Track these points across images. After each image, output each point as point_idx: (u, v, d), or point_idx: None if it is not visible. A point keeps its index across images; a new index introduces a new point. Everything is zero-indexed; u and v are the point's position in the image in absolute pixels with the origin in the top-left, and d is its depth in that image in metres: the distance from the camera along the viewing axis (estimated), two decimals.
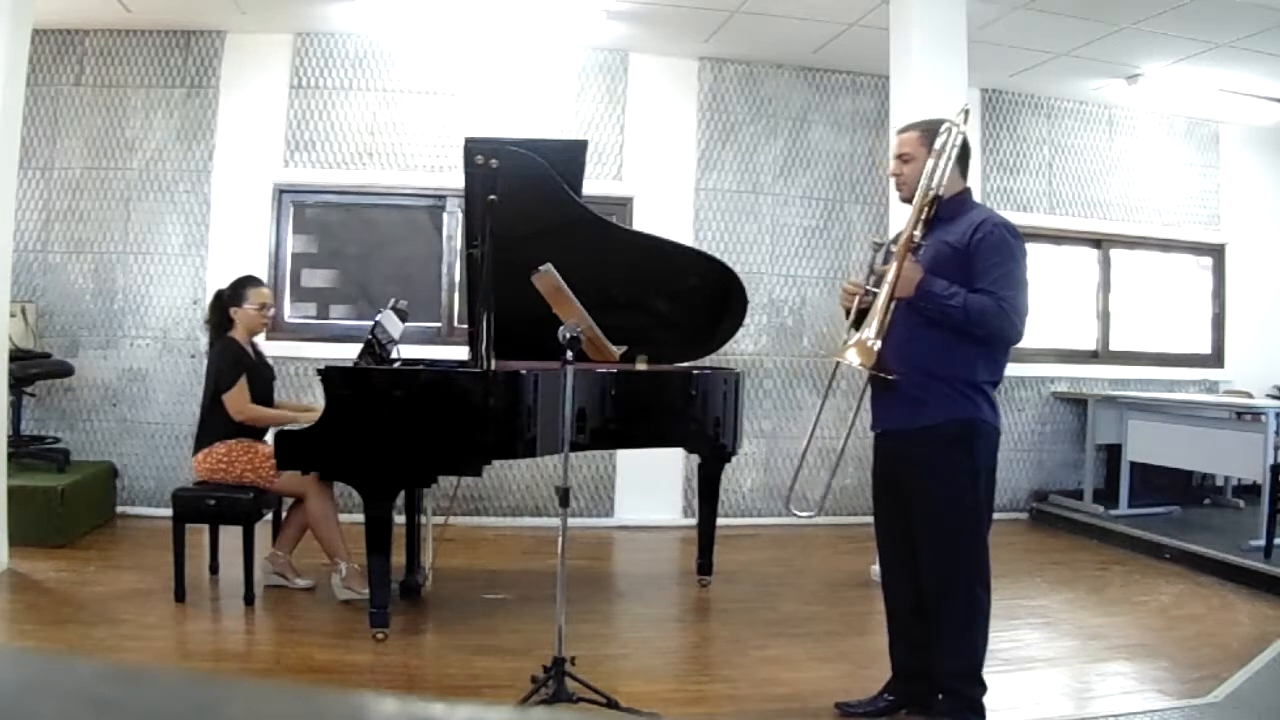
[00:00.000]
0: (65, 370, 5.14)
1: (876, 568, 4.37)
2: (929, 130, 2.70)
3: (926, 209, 2.62)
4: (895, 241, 2.69)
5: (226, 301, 3.92)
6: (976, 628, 2.63)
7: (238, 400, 3.77)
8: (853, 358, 2.51)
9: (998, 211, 2.72)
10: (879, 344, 2.51)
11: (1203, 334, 6.87)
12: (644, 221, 5.53)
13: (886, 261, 2.67)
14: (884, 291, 2.54)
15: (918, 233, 2.60)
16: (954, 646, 2.63)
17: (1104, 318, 6.62)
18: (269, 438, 3.80)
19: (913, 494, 2.68)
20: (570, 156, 3.87)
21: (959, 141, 2.64)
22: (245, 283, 3.98)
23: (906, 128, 2.79)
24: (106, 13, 5.11)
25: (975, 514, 2.63)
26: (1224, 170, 6.75)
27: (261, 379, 3.93)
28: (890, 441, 2.78)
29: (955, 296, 2.51)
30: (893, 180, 2.81)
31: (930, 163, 2.62)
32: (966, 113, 2.70)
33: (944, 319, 2.54)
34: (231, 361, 3.80)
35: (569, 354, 2.78)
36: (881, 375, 2.56)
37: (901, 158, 2.73)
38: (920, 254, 2.60)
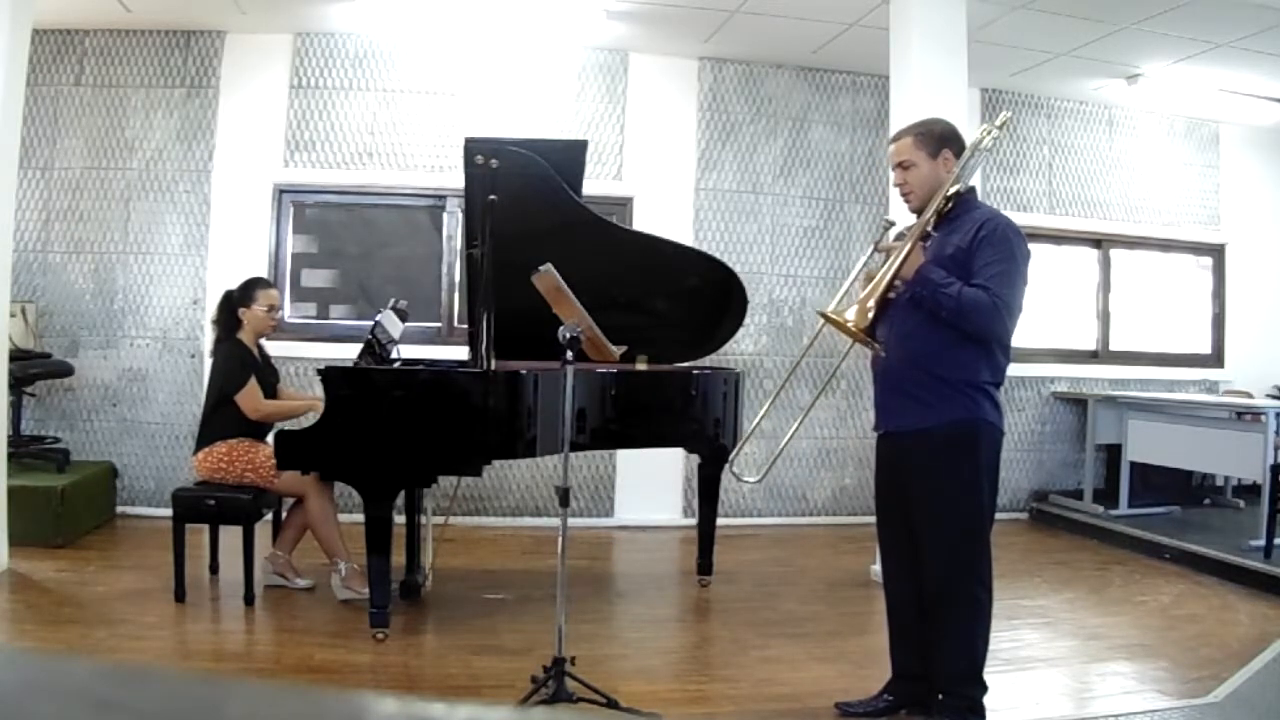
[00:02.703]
0: (65, 370, 5.14)
1: (876, 568, 4.37)
2: (921, 134, 2.69)
3: (948, 203, 2.62)
4: (910, 226, 2.69)
5: (236, 302, 3.92)
6: (977, 629, 2.63)
7: (251, 399, 3.77)
8: (850, 314, 2.53)
9: (998, 212, 2.72)
10: (874, 312, 2.54)
11: (1203, 334, 6.87)
12: (644, 221, 5.53)
13: (897, 240, 2.69)
14: (890, 266, 2.56)
15: (931, 223, 2.61)
16: (955, 647, 2.63)
17: (1104, 318, 6.62)
18: (269, 438, 3.80)
19: (916, 495, 2.68)
20: (570, 156, 3.87)
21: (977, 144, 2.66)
22: (255, 284, 3.99)
23: (898, 135, 2.77)
24: (106, 13, 5.11)
25: (978, 515, 2.63)
26: (1224, 170, 6.75)
27: (265, 380, 3.93)
28: (893, 443, 2.77)
29: (951, 286, 2.52)
30: (897, 190, 2.78)
31: (966, 156, 2.64)
32: (1005, 123, 2.66)
33: (937, 307, 2.53)
34: (239, 364, 3.81)
35: (569, 354, 2.78)
36: (868, 342, 2.56)
37: (902, 165, 2.70)
38: (926, 245, 2.61)
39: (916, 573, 2.70)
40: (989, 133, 2.64)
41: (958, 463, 2.59)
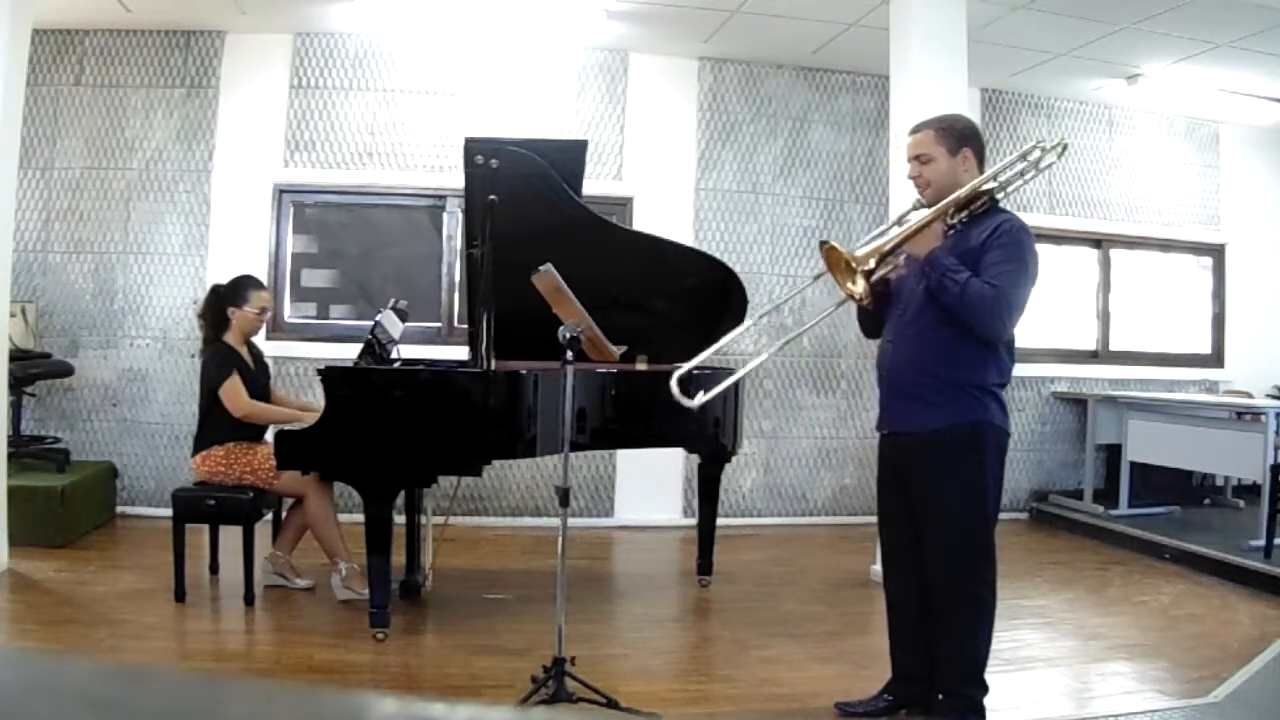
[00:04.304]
0: (65, 370, 5.14)
1: (876, 567, 4.37)
2: (942, 129, 2.67)
3: (981, 203, 2.61)
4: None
5: (224, 300, 3.90)
6: (980, 629, 2.63)
7: (233, 396, 3.74)
8: (859, 250, 2.54)
9: (1014, 215, 2.71)
10: (880, 271, 2.57)
11: (1203, 334, 6.87)
12: (644, 221, 5.53)
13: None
14: (905, 228, 2.56)
15: (954, 219, 2.60)
16: (958, 648, 2.62)
17: (1104, 318, 6.62)
18: (268, 437, 3.80)
19: (920, 497, 2.66)
20: (570, 156, 3.87)
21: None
22: (246, 283, 3.95)
23: (919, 127, 2.73)
24: (106, 13, 5.11)
25: (984, 517, 2.62)
26: (1224, 170, 6.76)
27: (255, 381, 3.91)
28: (897, 444, 2.75)
29: (960, 274, 2.49)
30: (913, 183, 2.74)
31: (1009, 161, 2.64)
32: (1064, 147, 2.66)
33: (940, 292, 2.51)
34: (221, 362, 3.78)
35: (569, 354, 2.78)
36: (854, 282, 2.53)
37: (919, 159, 2.67)
38: (948, 234, 2.61)
39: (919, 573, 2.69)
40: (1047, 152, 2.63)
41: (963, 465, 2.57)
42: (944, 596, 2.63)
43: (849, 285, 2.56)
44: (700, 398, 2.81)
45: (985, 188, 2.61)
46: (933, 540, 2.64)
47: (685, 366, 2.81)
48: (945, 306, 2.53)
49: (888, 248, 2.56)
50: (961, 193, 2.59)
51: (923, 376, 2.61)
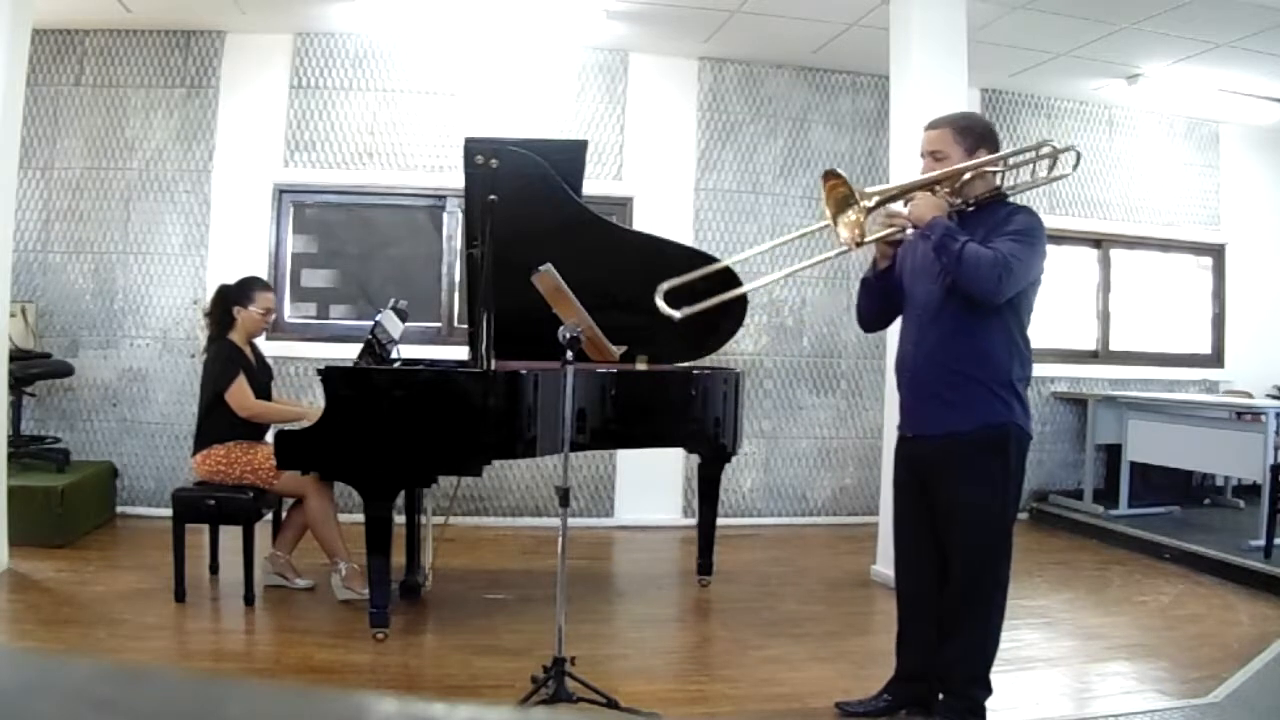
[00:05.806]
0: (65, 370, 5.14)
1: (877, 567, 4.38)
2: (961, 127, 2.64)
3: (988, 195, 2.61)
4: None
5: (231, 299, 3.91)
6: (992, 631, 2.62)
7: (240, 396, 3.75)
8: (866, 187, 2.56)
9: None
10: (877, 200, 2.59)
11: (1203, 334, 6.87)
12: (644, 221, 5.53)
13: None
14: (915, 180, 2.60)
15: (959, 200, 2.60)
16: (969, 647, 2.62)
17: (1104, 318, 6.62)
18: (269, 437, 3.80)
19: (941, 499, 2.64)
20: (570, 156, 3.87)
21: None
22: (253, 284, 3.96)
23: (937, 123, 2.69)
24: (106, 13, 5.12)
25: (1003, 519, 2.61)
26: (1224, 170, 6.75)
27: (258, 381, 3.92)
28: (919, 445, 2.72)
29: (960, 235, 2.48)
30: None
31: (1020, 149, 2.63)
32: (1078, 156, 2.62)
33: (941, 250, 2.49)
34: (226, 361, 3.79)
35: (569, 354, 2.78)
36: (861, 201, 2.53)
37: (934, 155, 2.64)
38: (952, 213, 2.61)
39: (931, 574, 2.68)
40: (1059, 153, 2.61)
41: (987, 468, 2.55)
42: (960, 597, 2.62)
43: (843, 228, 2.55)
44: (686, 310, 2.94)
45: (990, 170, 2.60)
46: (952, 542, 2.62)
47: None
48: (943, 268, 2.51)
49: (894, 192, 2.56)
50: (970, 163, 2.58)
51: (948, 375, 2.58)
